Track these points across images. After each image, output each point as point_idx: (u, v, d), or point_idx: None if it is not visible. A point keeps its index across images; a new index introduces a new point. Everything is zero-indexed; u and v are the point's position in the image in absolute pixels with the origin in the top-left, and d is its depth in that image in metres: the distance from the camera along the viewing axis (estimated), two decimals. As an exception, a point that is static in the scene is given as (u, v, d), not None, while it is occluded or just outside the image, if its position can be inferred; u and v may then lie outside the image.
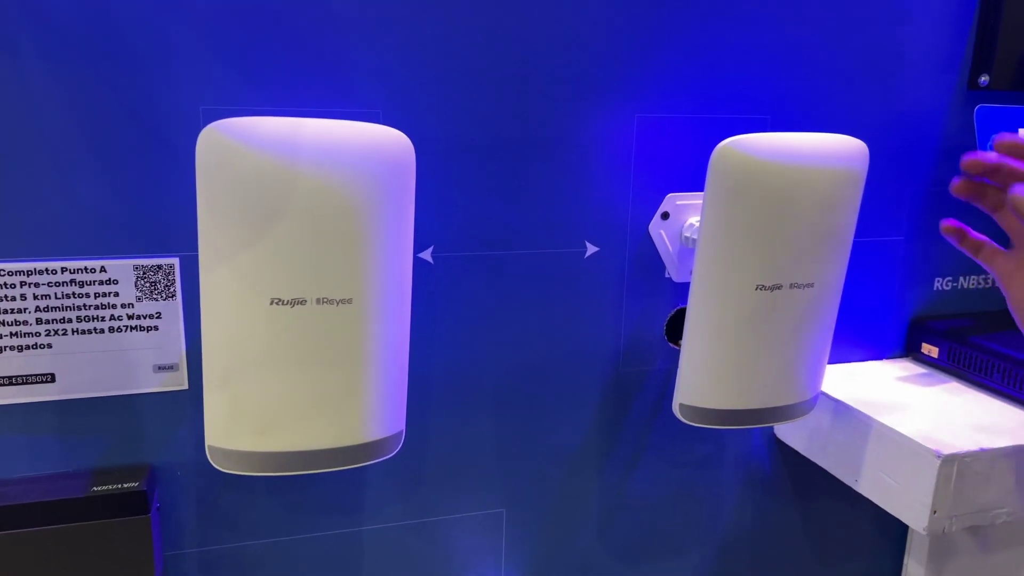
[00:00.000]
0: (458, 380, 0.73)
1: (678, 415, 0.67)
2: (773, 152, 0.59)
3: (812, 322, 0.65)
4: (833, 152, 0.61)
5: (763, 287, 0.62)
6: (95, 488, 0.62)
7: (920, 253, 0.84)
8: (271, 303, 0.52)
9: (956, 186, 0.60)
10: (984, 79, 0.79)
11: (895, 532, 0.92)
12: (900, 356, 0.87)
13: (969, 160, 0.58)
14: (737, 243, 0.61)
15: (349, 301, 0.53)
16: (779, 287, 0.63)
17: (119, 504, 0.62)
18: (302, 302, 0.52)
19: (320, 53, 0.62)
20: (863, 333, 0.85)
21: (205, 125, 0.60)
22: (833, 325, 0.68)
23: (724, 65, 0.73)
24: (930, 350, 0.84)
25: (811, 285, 0.63)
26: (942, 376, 0.82)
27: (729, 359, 0.64)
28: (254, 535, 0.71)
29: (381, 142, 0.52)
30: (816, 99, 0.76)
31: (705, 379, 0.65)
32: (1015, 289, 0.59)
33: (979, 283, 0.87)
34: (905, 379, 0.81)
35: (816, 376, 0.69)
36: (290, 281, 0.52)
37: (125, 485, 0.62)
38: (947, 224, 0.63)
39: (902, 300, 0.85)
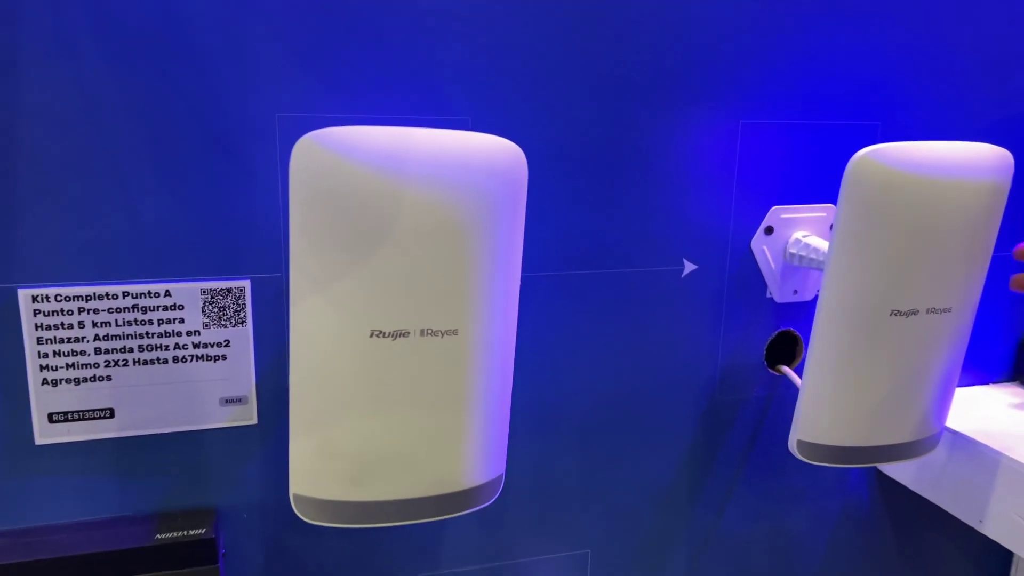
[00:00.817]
0: (542, 411, 0.67)
1: (796, 453, 0.60)
2: (916, 164, 0.53)
3: (946, 351, 0.59)
4: (978, 163, 0.55)
5: (898, 312, 0.56)
6: (160, 535, 0.56)
7: (1031, 269, 0.78)
8: (371, 335, 0.46)
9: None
10: (1108, 81, 0.72)
11: (996, 570, 0.86)
12: (1008, 380, 0.80)
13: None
14: (873, 263, 0.55)
15: (455, 332, 0.47)
16: (915, 312, 0.56)
17: (187, 553, 0.56)
18: (405, 334, 0.46)
19: (405, 56, 0.56)
20: (970, 356, 0.78)
21: (281, 133, 0.55)
22: (964, 354, 0.61)
23: (832, 68, 0.66)
24: (1043, 375, 0.77)
25: (948, 310, 0.57)
26: (1059, 403, 0.76)
27: (858, 393, 0.58)
28: (323, 581, 0.65)
29: (494, 154, 0.46)
30: (929, 103, 0.70)
31: (829, 414, 0.59)
32: None
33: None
34: (1019, 406, 0.75)
35: (944, 409, 0.62)
36: (392, 311, 0.46)
37: (192, 532, 0.57)
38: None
39: (1011, 320, 0.79)
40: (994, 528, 0.66)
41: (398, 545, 0.66)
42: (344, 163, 0.43)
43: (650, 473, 0.71)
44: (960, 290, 0.57)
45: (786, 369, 0.71)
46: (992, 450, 0.66)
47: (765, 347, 0.71)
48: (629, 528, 0.72)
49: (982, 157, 0.56)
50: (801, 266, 0.68)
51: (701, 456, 0.72)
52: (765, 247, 0.68)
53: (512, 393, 0.64)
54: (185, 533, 0.56)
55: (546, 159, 0.61)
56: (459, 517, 0.66)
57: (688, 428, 0.71)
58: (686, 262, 0.67)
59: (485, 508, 0.66)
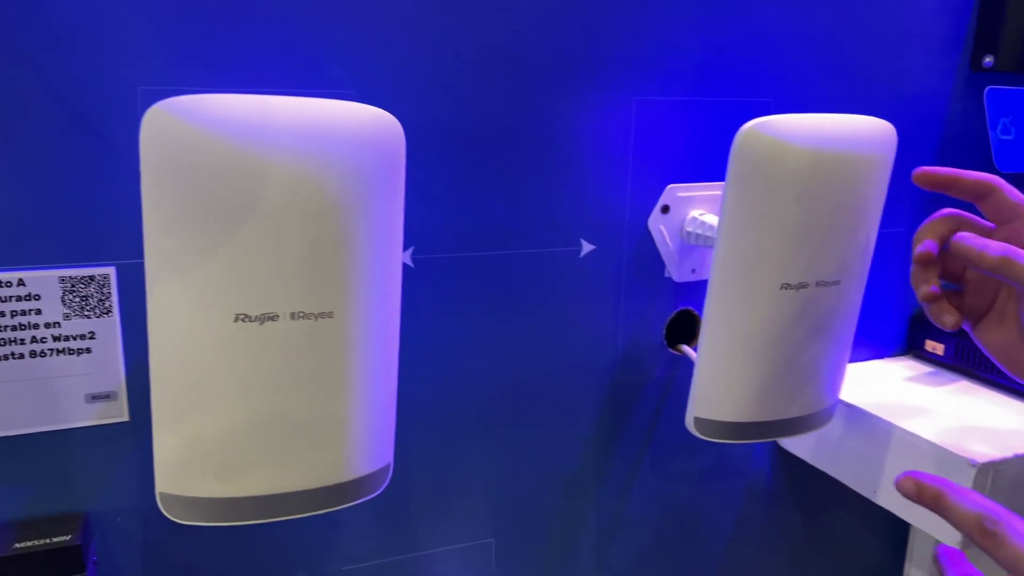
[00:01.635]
0: (440, 397, 0.65)
1: (693, 430, 0.60)
2: (803, 135, 0.53)
3: (838, 324, 0.59)
4: (864, 135, 0.55)
5: (788, 286, 0.56)
6: (18, 544, 0.52)
7: (921, 245, 0.79)
8: (236, 319, 0.43)
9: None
10: (988, 60, 0.74)
11: (895, 540, 0.88)
12: (902, 354, 0.82)
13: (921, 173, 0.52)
14: (762, 237, 0.55)
15: (330, 315, 0.44)
16: (805, 286, 0.56)
17: (50, 562, 0.52)
18: (273, 318, 0.43)
19: (282, 25, 0.53)
20: (864, 331, 0.80)
21: (143, 108, 0.51)
22: (855, 326, 0.62)
23: (726, 45, 0.66)
24: (934, 347, 0.79)
25: (838, 283, 0.57)
26: (950, 375, 0.78)
27: (752, 368, 0.57)
28: (210, 584, 0.62)
29: (368, 125, 0.44)
30: (820, 81, 0.70)
31: (725, 390, 0.58)
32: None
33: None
34: (913, 379, 0.76)
35: (837, 382, 0.63)
36: (259, 293, 0.43)
37: (55, 539, 0.52)
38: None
39: (904, 295, 0.80)
40: (887, 498, 0.67)
41: (290, 544, 0.63)
42: (199, 134, 0.40)
43: (553, 458, 0.70)
44: (848, 262, 0.57)
45: (686, 348, 0.71)
46: (884, 421, 0.67)
47: (665, 327, 0.71)
48: (534, 515, 0.71)
49: (866, 129, 0.56)
50: (698, 244, 0.68)
51: (604, 439, 0.71)
52: (662, 226, 0.68)
53: (407, 380, 0.62)
54: (48, 540, 0.52)
55: (438, 137, 0.59)
56: (355, 511, 0.63)
57: (590, 411, 0.70)
58: (584, 242, 0.66)
59: (382, 501, 0.64)
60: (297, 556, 0.63)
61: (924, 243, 0.50)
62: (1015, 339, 0.50)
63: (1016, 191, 0.50)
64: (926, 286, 0.50)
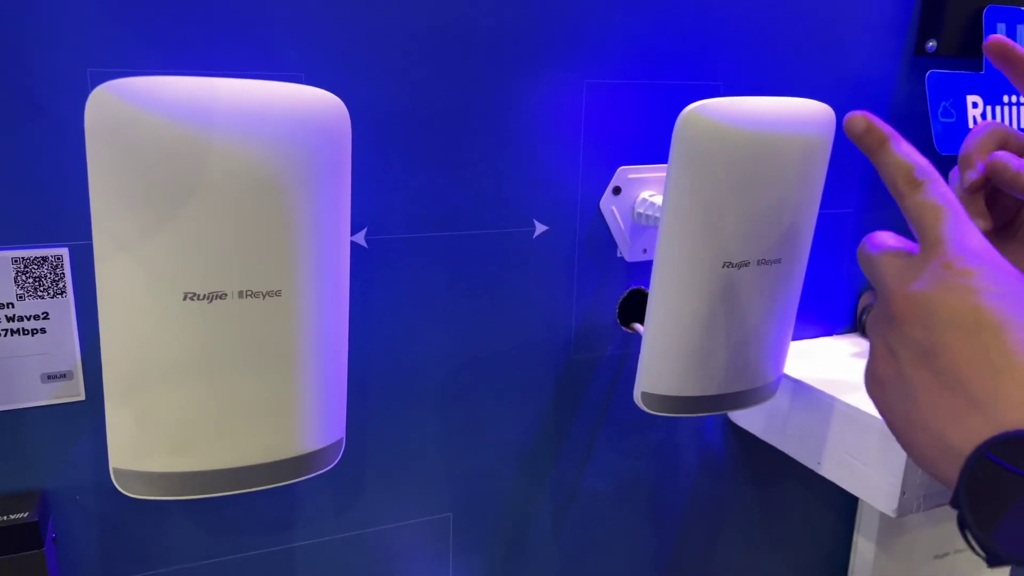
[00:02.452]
0: (396, 376, 0.66)
1: (640, 404, 0.62)
2: (742, 118, 0.55)
3: (780, 301, 0.61)
4: (802, 117, 0.57)
5: (730, 264, 0.58)
6: (-26, 522, 0.52)
7: (869, 226, 0.81)
8: (184, 298, 0.44)
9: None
10: (931, 44, 0.76)
11: (845, 511, 0.91)
12: (850, 332, 0.85)
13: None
14: (704, 217, 0.56)
15: (278, 293, 0.45)
16: (747, 264, 0.58)
17: (7, 539, 0.52)
18: (221, 296, 0.44)
19: (233, 7, 0.54)
20: (812, 309, 0.82)
21: (93, 89, 0.52)
22: (797, 303, 0.64)
23: (676, 28, 0.68)
24: (881, 325, 0.82)
25: (779, 261, 0.59)
26: (894, 351, 0.80)
27: (696, 343, 0.59)
28: (169, 561, 0.63)
29: (311, 106, 0.45)
30: (768, 65, 0.72)
31: (670, 365, 0.60)
32: None
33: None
34: (859, 355, 0.79)
35: (781, 357, 0.65)
36: (206, 272, 0.44)
37: (12, 516, 0.53)
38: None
39: (851, 275, 0.83)
40: (831, 469, 0.70)
41: (246, 521, 0.64)
42: (143, 115, 0.41)
43: (509, 434, 0.72)
44: (789, 241, 0.59)
45: (638, 326, 0.72)
46: (827, 395, 0.69)
47: (617, 305, 0.72)
48: (490, 490, 0.73)
49: (805, 112, 0.58)
50: (648, 225, 0.69)
51: (559, 415, 0.73)
52: (614, 207, 0.69)
53: (364, 359, 0.63)
54: (5, 518, 0.53)
55: (389, 118, 0.60)
56: (313, 486, 0.65)
57: (545, 388, 0.72)
58: (537, 223, 0.67)
59: (340, 477, 0.65)
60: (256, 531, 0.65)
61: (976, 167, 0.46)
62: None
63: None
64: (971, 171, 0.46)
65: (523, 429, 0.72)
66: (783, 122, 0.56)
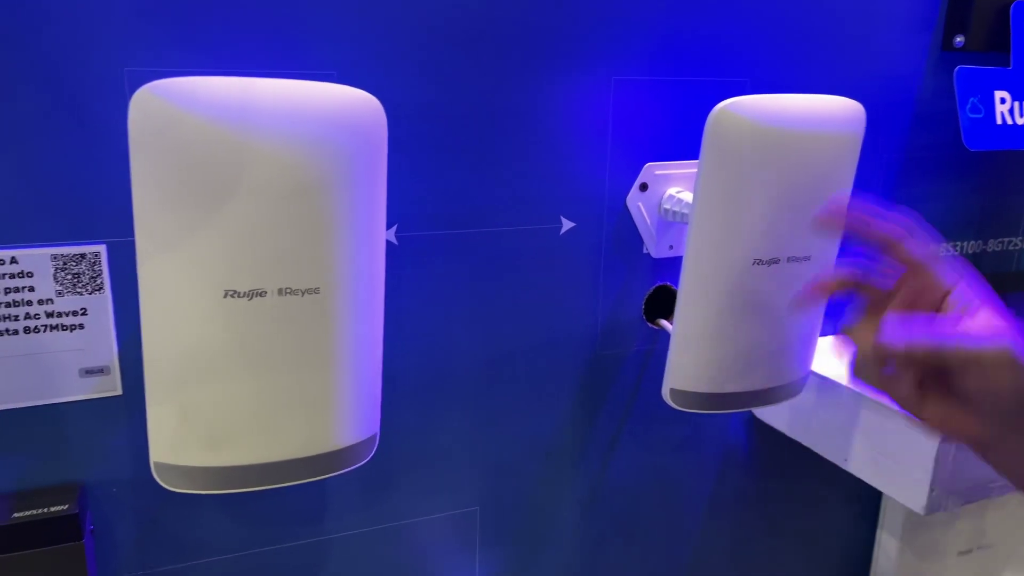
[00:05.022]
0: (425, 371, 0.67)
1: (668, 401, 0.62)
2: (773, 115, 0.55)
3: (808, 297, 0.61)
4: (833, 115, 0.57)
5: (760, 262, 0.58)
6: (17, 514, 0.53)
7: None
8: (225, 296, 0.44)
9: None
10: (959, 40, 0.76)
11: (868, 507, 0.91)
12: (875, 328, 0.84)
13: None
14: (734, 215, 0.56)
15: (316, 291, 0.46)
16: (776, 261, 0.58)
17: (48, 531, 0.53)
18: (261, 294, 0.45)
19: (265, 6, 0.54)
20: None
21: (130, 89, 0.52)
22: (826, 300, 0.64)
23: (703, 25, 0.68)
24: (906, 321, 0.81)
25: (808, 258, 0.59)
26: (920, 347, 0.80)
27: (725, 340, 0.59)
28: (202, 553, 0.64)
29: (349, 106, 0.45)
30: (794, 62, 0.72)
31: (699, 362, 0.60)
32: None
33: (952, 250, 0.85)
34: (884, 352, 0.79)
35: (808, 354, 0.65)
36: (247, 270, 0.44)
37: (53, 509, 0.54)
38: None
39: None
40: (858, 465, 0.70)
41: (278, 513, 0.65)
42: (185, 115, 0.42)
43: (535, 429, 0.72)
44: (819, 239, 0.59)
45: (664, 323, 0.73)
46: (854, 392, 0.69)
47: (643, 302, 0.73)
48: (517, 484, 0.73)
49: (836, 109, 0.58)
50: (675, 221, 0.69)
51: (585, 410, 0.73)
52: (640, 204, 0.69)
53: (393, 354, 0.64)
54: (46, 510, 0.54)
55: (420, 117, 0.61)
56: (342, 482, 0.66)
57: (571, 383, 0.72)
58: (564, 220, 0.68)
59: (370, 471, 0.66)
60: (287, 524, 0.65)
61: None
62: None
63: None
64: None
65: (549, 424, 0.72)
66: (814, 119, 0.56)
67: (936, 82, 0.78)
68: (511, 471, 0.72)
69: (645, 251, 0.71)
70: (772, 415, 0.79)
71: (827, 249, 0.61)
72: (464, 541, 0.73)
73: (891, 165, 0.79)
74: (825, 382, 0.72)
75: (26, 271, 0.53)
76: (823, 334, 0.80)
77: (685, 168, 0.70)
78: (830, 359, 0.76)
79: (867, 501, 0.90)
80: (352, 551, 0.68)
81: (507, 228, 0.66)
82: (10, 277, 0.53)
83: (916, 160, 0.79)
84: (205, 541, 0.63)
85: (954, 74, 0.75)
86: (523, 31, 0.62)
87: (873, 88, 0.75)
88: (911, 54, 0.76)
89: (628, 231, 0.70)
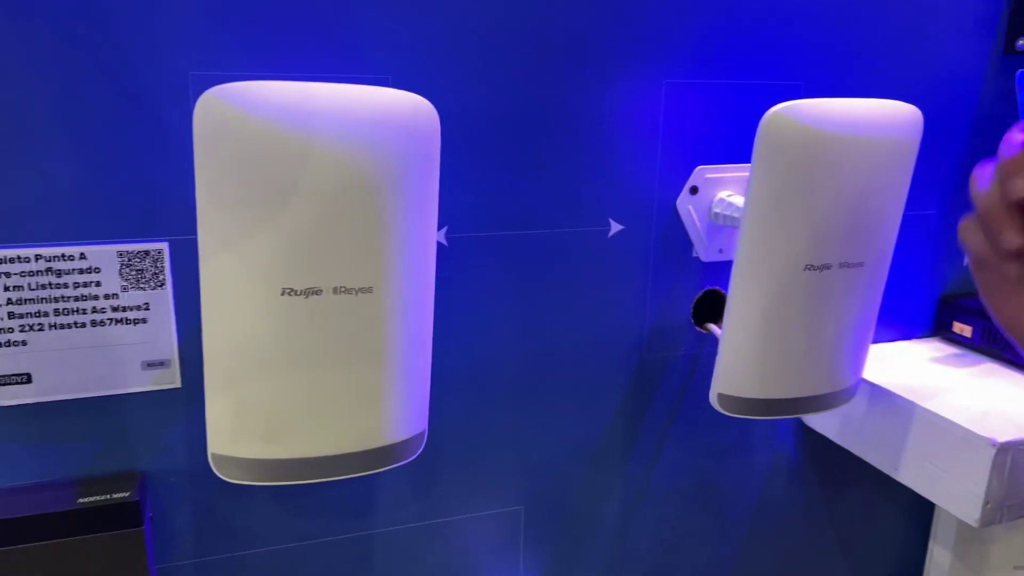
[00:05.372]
0: (473, 371, 0.68)
1: (716, 406, 0.62)
2: (828, 120, 0.54)
3: (860, 304, 0.60)
4: (889, 120, 0.56)
5: (812, 267, 0.57)
6: (82, 500, 0.56)
7: (951, 228, 0.80)
8: (282, 293, 0.46)
9: None
10: (1022, 42, 0.74)
11: (920, 518, 0.89)
12: (929, 336, 0.83)
13: None
14: (786, 219, 0.56)
15: (370, 290, 0.47)
16: (828, 267, 0.58)
17: (110, 516, 0.56)
18: (317, 292, 0.46)
19: (322, 12, 0.56)
20: (892, 312, 0.81)
21: (195, 92, 0.54)
22: (879, 307, 0.63)
23: (756, 28, 0.67)
24: (962, 329, 0.80)
25: (861, 264, 0.59)
26: (976, 356, 0.78)
27: (775, 346, 0.59)
28: (254, 543, 0.65)
29: (405, 110, 0.46)
30: (849, 65, 0.71)
31: (748, 367, 0.60)
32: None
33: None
34: (939, 360, 0.77)
35: (860, 361, 0.64)
36: (303, 268, 0.46)
37: (115, 495, 0.56)
38: None
39: (932, 278, 0.81)
40: (909, 476, 0.69)
41: (328, 507, 0.66)
42: (248, 118, 0.43)
43: (581, 431, 0.73)
44: (872, 245, 0.59)
45: (713, 327, 0.72)
46: (907, 401, 0.68)
47: (692, 305, 0.72)
48: (561, 485, 0.74)
49: (892, 114, 0.57)
50: (726, 225, 0.69)
51: (631, 413, 0.74)
52: (690, 207, 0.69)
53: (442, 353, 0.65)
54: (109, 497, 0.56)
55: (470, 120, 0.61)
56: (390, 477, 0.67)
57: (617, 386, 0.72)
58: (612, 222, 0.68)
59: (417, 467, 0.67)
60: (336, 517, 0.67)
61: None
62: None
63: None
64: None
65: (594, 426, 0.73)
66: (870, 124, 0.56)
67: (997, 86, 0.76)
68: (555, 472, 0.73)
69: (694, 254, 0.71)
70: (821, 422, 0.78)
71: (881, 254, 0.60)
72: (508, 540, 0.74)
73: (949, 171, 0.77)
74: (877, 390, 0.71)
75: (94, 267, 0.55)
76: (875, 341, 0.79)
77: (736, 172, 0.69)
78: (883, 367, 0.75)
79: (919, 512, 0.89)
80: (399, 545, 0.70)
81: (556, 230, 0.66)
82: (79, 272, 0.55)
83: (974, 166, 0.77)
84: (256, 531, 0.65)
85: (1016, 77, 0.73)
86: (574, 35, 0.62)
87: (931, 91, 0.74)
88: (971, 57, 0.75)
89: (677, 234, 0.70)
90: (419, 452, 0.55)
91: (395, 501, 0.68)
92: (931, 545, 0.89)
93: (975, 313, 0.79)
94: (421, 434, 0.54)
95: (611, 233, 0.68)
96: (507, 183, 0.64)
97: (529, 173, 0.64)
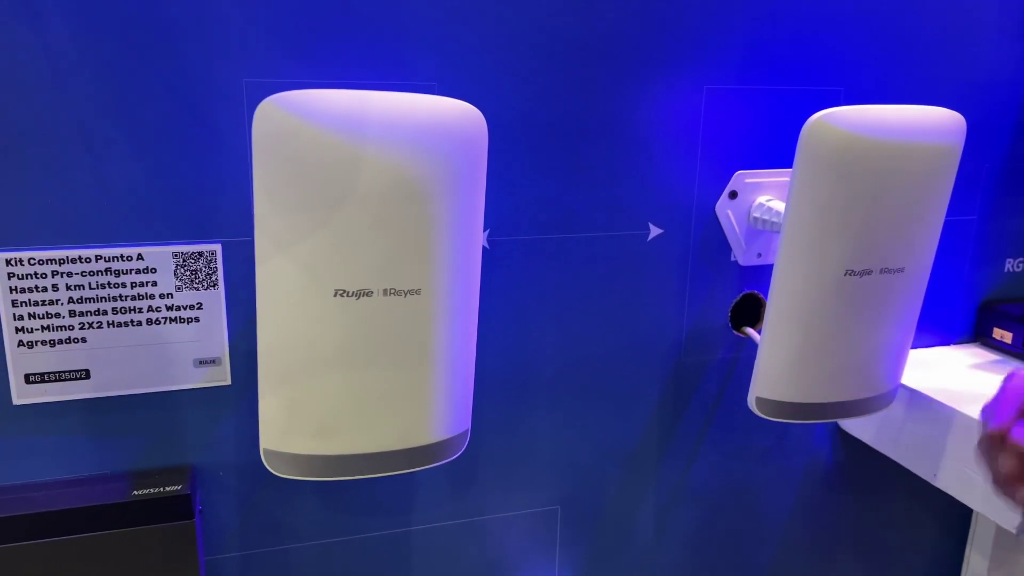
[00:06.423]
0: (512, 371, 0.69)
1: (755, 410, 0.62)
2: (870, 126, 0.55)
3: (900, 310, 0.61)
4: (932, 126, 0.57)
5: (852, 272, 0.58)
6: (136, 492, 0.58)
7: (992, 233, 0.79)
8: (335, 295, 0.47)
9: None
10: (1067, 47, 0.74)
11: (956, 524, 0.88)
12: (969, 341, 0.82)
13: None
14: (827, 224, 0.56)
15: (418, 292, 0.48)
16: (869, 272, 0.58)
17: (163, 509, 0.57)
18: (368, 294, 0.47)
19: (372, 22, 0.57)
20: (931, 317, 0.80)
21: (249, 99, 0.56)
22: (918, 313, 0.63)
23: (796, 33, 0.67)
24: (1003, 335, 0.79)
25: (901, 270, 0.59)
26: (1017, 363, 0.78)
27: (814, 350, 0.59)
28: (299, 538, 0.67)
29: (454, 117, 0.48)
30: (890, 70, 0.71)
31: (787, 372, 0.61)
32: None
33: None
34: (979, 366, 0.77)
35: (899, 366, 0.64)
36: (356, 271, 0.47)
37: (168, 488, 0.58)
38: None
39: (972, 283, 0.81)
40: (948, 481, 0.69)
41: (370, 503, 0.68)
42: (304, 126, 0.44)
43: (618, 432, 0.73)
44: (913, 250, 0.59)
45: (750, 331, 0.73)
46: (946, 406, 0.68)
47: (730, 309, 0.73)
48: (598, 485, 0.74)
49: (935, 120, 0.57)
50: (764, 230, 0.69)
51: (668, 416, 0.74)
52: (729, 211, 0.70)
53: (482, 354, 0.66)
54: (161, 489, 0.58)
55: (513, 125, 0.63)
56: (429, 475, 0.68)
57: (655, 388, 0.73)
58: (652, 226, 0.69)
59: (456, 466, 0.68)
60: (376, 514, 0.68)
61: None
62: None
63: None
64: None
65: (631, 427, 0.73)
66: (912, 130, 0.56)
67: (1041, 91, 0.76)
68: (592, 473, 0.74)
69: (733, 259, 0.71)
70: (859, 427, 0.78)
71: (922, 260, 0.60)
72: (545, 539, 0.75)
73: (990, 176, 0.77)
74: (915, 395, 0.71)
75: (150, 267, 0.57)
76: (914, 346, 0.79)
77: (776, 176, 0.70)
78: (921, 372, 0.75)
79: (956, 518, 0.88)
80: (437, 543, 0.71)
81: (596, 233, 0.67)
82: (136, 272, 0.57)
83: (1016, 172, 0.77)
84: (301, 526, 0.67)
85: (1061, 83, 0.73)
86: (616, 41, 0.63)
87: (975, 97, 0.74)
88: (1016, 62, 0.74)
89: (716, 238, 0.70)
90: (462, 450, 0.56)
91: (434, 499, 0.70)
92: (968, 552, 0.88)
93: (1016, 319, 0.78)
94: (464, 433, 0.56)
95: (650, 237, 0.69)
96: (549, 187, 0.65)
97: (571, 177, 0.65)
